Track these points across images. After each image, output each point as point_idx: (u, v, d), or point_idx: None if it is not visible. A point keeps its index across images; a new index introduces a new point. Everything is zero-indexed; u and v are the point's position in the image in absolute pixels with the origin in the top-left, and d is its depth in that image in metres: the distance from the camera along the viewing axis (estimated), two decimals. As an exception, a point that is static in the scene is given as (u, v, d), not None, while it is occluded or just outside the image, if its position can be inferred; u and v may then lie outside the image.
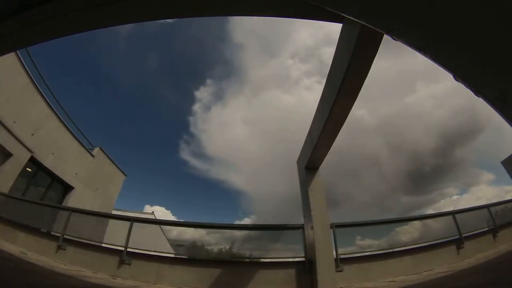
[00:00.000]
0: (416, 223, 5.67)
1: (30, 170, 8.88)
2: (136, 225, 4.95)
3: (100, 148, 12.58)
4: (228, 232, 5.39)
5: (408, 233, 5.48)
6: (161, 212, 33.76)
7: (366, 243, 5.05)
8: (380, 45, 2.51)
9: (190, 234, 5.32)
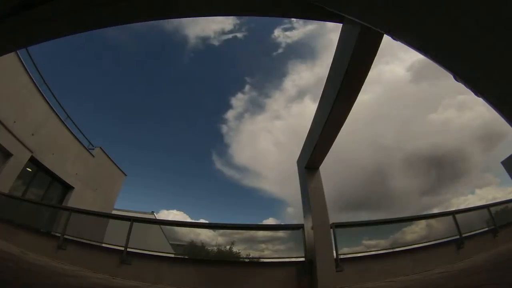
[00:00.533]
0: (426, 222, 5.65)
1: (30, 170, 8.88)
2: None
3: (100, 148, 12.59)
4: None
5: (415, 233, 5.47)
6: (179, 216, 33.61)
7: (372, 243, 5.06)
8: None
9: (207, 236, 5.33)
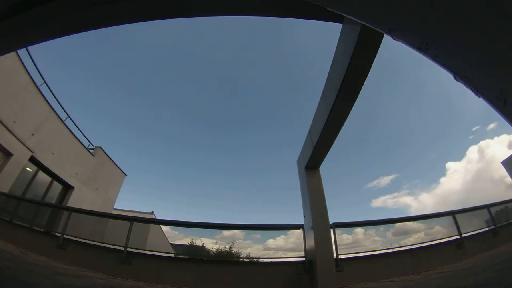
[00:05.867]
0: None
1: (30, 170, 8.88)
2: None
3: (100, 148, 12.59)
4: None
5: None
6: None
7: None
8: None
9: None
